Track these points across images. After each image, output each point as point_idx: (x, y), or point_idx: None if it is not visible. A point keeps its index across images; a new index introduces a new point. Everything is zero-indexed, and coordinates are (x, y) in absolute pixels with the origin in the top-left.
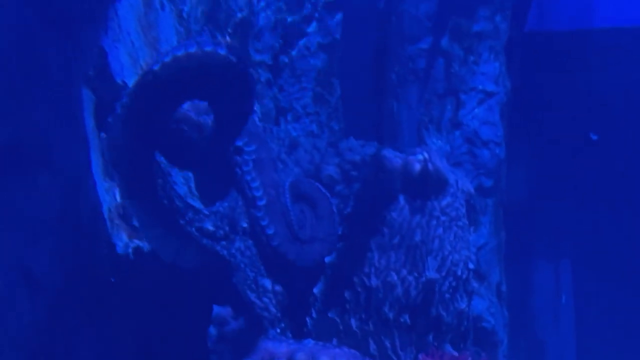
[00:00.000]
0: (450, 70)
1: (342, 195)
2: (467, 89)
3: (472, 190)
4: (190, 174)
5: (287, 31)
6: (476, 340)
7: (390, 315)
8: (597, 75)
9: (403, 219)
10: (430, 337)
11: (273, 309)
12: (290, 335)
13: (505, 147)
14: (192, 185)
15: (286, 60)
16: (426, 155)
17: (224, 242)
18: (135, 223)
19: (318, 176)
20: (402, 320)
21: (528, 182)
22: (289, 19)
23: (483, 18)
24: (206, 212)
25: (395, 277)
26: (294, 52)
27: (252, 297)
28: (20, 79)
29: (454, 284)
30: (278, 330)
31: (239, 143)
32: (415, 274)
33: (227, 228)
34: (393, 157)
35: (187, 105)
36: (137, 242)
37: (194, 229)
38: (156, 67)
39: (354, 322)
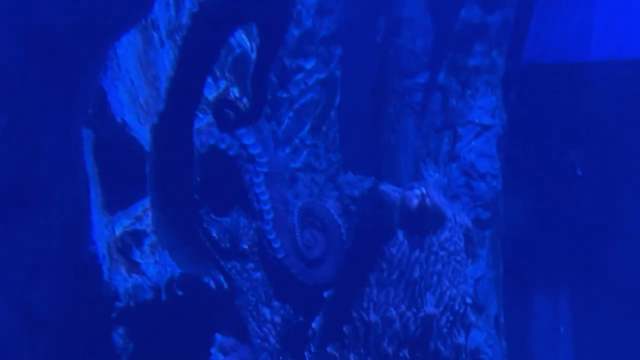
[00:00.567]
0: (447, 104)
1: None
2: (464, 122)
3: (470, 224)
4: None
5: (285, 65)
6: None
7: (390, 350)
8: (592, 107)
9: (402, 254)
10: None
11: (272, 340)
12: None
13: (502, 179)
14: None
15: (285, 95)
16: (424, 190)
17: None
18: (134, 257)
19: None
20: (401, 355)
21: (526, 213)
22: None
23: (480, 53)
24: (212, 217)
25: (394, 313)
26: (292, 87)
27: (254, 325)
28: (22, 121)
29: (451, 318)
30: None
31: (253, 151)
32: (414, 309)
33: (227, 244)
34: (391, 192)
35: None
36: (135, 276)
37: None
38: None
39: (352, 357)
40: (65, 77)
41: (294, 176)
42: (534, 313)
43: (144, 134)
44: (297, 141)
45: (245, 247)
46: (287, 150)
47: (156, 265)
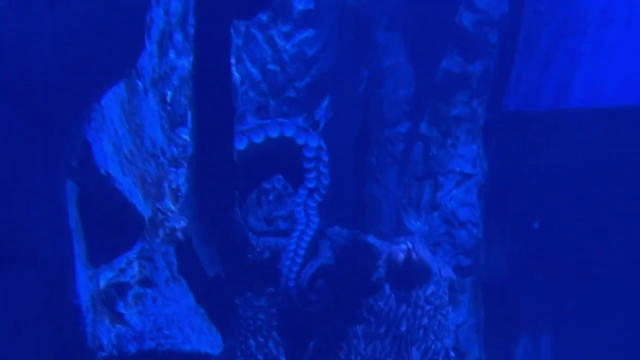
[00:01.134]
0: (429, 153)
1: None
2: (445, 171)
3: (454, 277)
4: None
5: (269, 113)
6: None
7: None
8: (571, 155)
9: (390, 308)
10: None
11: None
12: None
13: (483, 227)
14: None
15: None
16: (410, 244)
17: None
18: (118, 308)
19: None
20: None
21: (507, 259)
22: (272, 102)
23: (461, 102)
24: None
25: None
26: None
27: None
28: (7, 177)
29: None
30: None
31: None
32: None
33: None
34: (379, 246)
35: None
36: (119, 326)
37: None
38: None
39: None
40: (50, 132)
41: None
42: (516, 358)
43: (127, 185)
44: None
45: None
46: None
47: (140, 315)
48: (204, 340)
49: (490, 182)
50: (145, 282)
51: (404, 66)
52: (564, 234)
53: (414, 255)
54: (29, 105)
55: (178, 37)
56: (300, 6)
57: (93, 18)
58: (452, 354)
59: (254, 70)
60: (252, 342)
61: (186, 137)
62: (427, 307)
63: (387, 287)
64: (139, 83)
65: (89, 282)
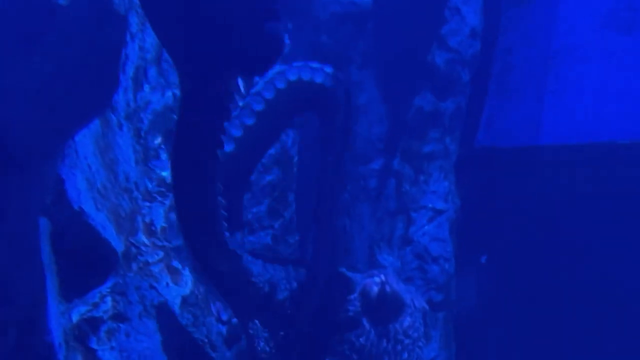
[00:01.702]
0: (401, 189)
1: None
2: (418, 207)
3: (427, 307)
4: None
5: None
6: None
7: None
8: (542, 191)
9: (371, 344)
10: None
11: None
12: None
13: (454, 262)
14: None
15: None
16: (383, 277)
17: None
18: (91, 344)
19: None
20: None
21: (479, 294)
22: None
23: (433, 139)
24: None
25: None
26: None
27: None
28: None
29: None
30: None
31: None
32: None
33: (267, 288)
34: (353, 278)
35: None
36: None
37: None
38: None
39: None
40: (23, 170)
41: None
42: None
43: (100, 220)
44: (254, 222)
45: None
46: (245, 230)
47: (112, 351)
48: None
49: (462, 218)
50: (119, 317)
51: (377, 104)
52: (536, 269)
53: (387, 288)
54: (1, 145)
55: (152, 72)
56: None
57: (69, 60)
58: None
59: None
60: None
61: (160, 171)
62: (406, 341)
63: (365, 321)
64: (114, 117)
65: (61, 317)
